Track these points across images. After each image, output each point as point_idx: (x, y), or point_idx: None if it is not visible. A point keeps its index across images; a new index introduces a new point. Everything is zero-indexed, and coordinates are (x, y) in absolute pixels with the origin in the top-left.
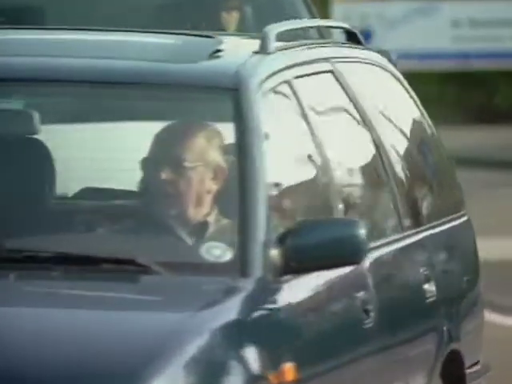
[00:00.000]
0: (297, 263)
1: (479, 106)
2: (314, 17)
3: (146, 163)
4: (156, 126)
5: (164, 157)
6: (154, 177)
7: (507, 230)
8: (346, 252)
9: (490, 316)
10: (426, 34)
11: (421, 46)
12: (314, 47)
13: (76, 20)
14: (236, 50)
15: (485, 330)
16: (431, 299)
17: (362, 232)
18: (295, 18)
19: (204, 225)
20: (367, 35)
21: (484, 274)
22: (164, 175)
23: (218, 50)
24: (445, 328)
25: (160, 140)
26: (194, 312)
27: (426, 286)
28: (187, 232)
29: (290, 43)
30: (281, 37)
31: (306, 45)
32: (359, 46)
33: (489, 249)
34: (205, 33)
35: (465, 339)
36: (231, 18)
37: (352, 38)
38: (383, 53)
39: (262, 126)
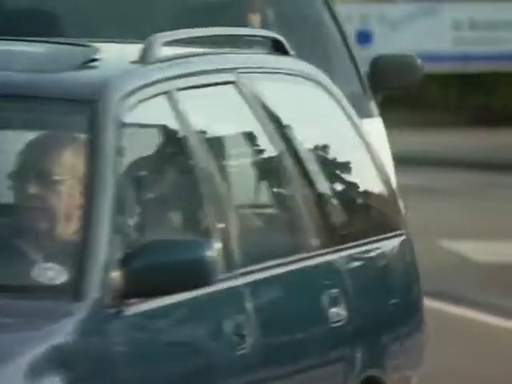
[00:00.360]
0: (140, 286)
1: (479, 108)
2: (336, 21)
3: (13, 177)
4: (21, 138)
5: (31, 170)
6: (21, 191)
7: (506, 232)
8: (191, 275)
9: (493, 319)
10: (427, 35)
11: (421, 47)
12: (215, 56)
13: (93, 23)
14: (114, 59)
15: (487, 333)
16: (339, 324)
17: (210, 253)
18: (316, 22)
19: (68, 242)
20: (367, 37)
21: (485, 277)
22: (32, 189)
23: (93, 60)
24: (358, 354)
25: (27, 153)
26: (13, 337)
27: (334, 310)
28: (44, 251)
29: (183, 52)
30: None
31: (204, 54)
32: (285, 56)
33: (488, 251)
34: (82, 41)
35: (391, 364)
36: (256, 19)
37: (279, 47)
38: (408, 57)
39: (117, 141)
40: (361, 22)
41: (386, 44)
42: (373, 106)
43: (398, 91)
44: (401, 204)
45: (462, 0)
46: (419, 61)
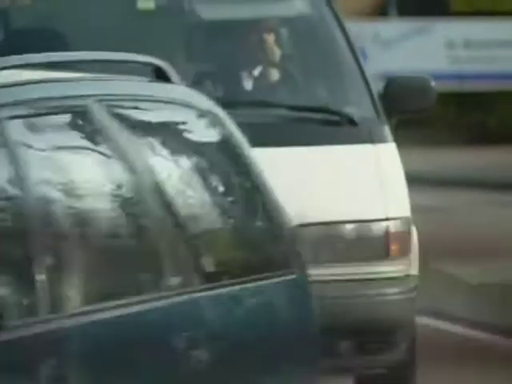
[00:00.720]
0: None
1: (476, 127)
2: (348, 41)
3: None
4: None
5: None
6: None
7: (506, 251)
8: None
9: (493, 338)
10: (421, 54)
11: (415, 66)
12: (65, 83)
13: (99, 45)
14: None
15: (482, 351)
16: (196, 366)
17: None
18: (329, 42)
19: None
20: (362, 55)
21: (485, 297)
22: None
23: None
24: None
25: None
26: None
27: (192, 352)
28: None
29: (21, 80)
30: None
31: (51, 80)
32: (165, 83)
33: (489, 270)
34: None
35: None
36: (271, 39)
37: (160, 73)
38: (423, 79)
39: None
40: (355, 41)
41: (380, 63)
42: (386, 131)
43: (413, 115)
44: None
45: (456, 19)
46: (433, 83)
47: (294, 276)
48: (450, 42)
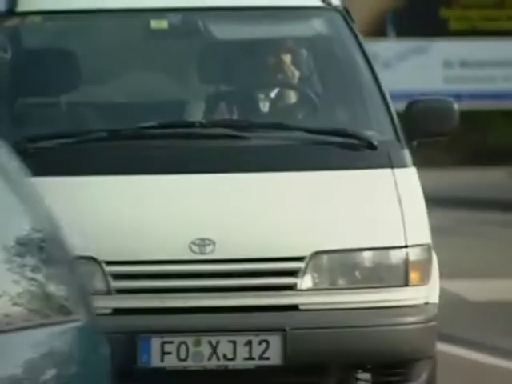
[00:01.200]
0: None
1: (471, 147)
2: (368, 62)
3: None
4: None
5: None
6: None
7: (499, 270)
8: None
9: (494, 360)
10: (418, 74)
11: (413, 86)
12: None
13: (112, 65)
14: None
15: (485, 373)
16: None
17: None
18: (349, 63)
19: None
20: None
21: (481, 316)
22: None
23: None
24: None
25: None
26: None
27: None
28: None
29: None
30: None
31: None
32: None
33: (479, 289)
34: None
35: None
36: (287, 60)
37: None
38: (445, 102)
39: None
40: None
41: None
42: (406, 155)
43: (436, 138)
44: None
45: (453, 38)
46: (456, 105)
47: (80, 323)
48: (447, 61)
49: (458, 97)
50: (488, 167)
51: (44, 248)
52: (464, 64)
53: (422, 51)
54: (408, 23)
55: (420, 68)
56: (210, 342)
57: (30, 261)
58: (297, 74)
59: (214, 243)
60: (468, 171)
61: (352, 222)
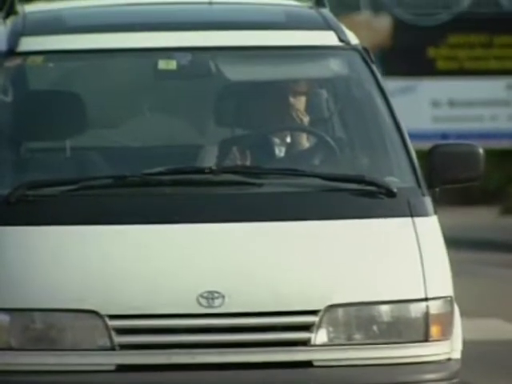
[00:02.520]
0: None
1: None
2: (388, 104)
3: None
4: None
5: None
6: None
7: (489, 309)
8: None
9: None
10: (406, 113)
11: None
12: None
13: (118, 107)
14: None
15: None
16: None
17: None
18: (367, 104)
19: None
20: None
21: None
22: None
23: None
24: None
25: None
26: None
27: None
28: None
29: None
30: None
31: None
32: None
33: (473, 329)
34: None
35: None
36: (299, 103)
37: None
38: (470, 147)
39: None
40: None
41: None
42: (428, 203)
43: (459, 184)
44: None
45: (441, 78)
46: (481, 150)
47: None
48: (435, 101)
49: (445, 136)
50: (476, 207)
51: None
52: (452, 103)
53: (409, 90)
54: (395, 62)
55: (408, 107)
56: None
57: None
58: (312, 117)
59: (223, 296)
60: (456, 211)
61: (369, 273)
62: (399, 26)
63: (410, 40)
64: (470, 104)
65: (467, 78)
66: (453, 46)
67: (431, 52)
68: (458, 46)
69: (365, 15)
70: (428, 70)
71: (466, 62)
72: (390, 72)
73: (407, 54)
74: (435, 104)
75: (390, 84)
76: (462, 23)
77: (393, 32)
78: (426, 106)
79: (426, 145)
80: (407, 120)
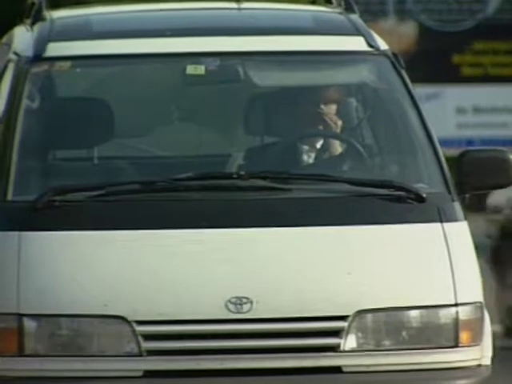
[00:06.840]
0: None
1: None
2: (418, 110)
3: None
4: None
5: None
6: None
7: None
8: None
9: None
10: (431, 120)
11: None
12: None
13: (146, 114)
14: None
15: None
16: None
17: None
18: (397, 110)
19: None
20: None
21: None
22: None
23: None
24: None
25: None
26: None
27: None
28: None
29: None
30: None
31: None
32: None
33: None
34: None
35: None
36: (330, 110)
37: None
38: (500, 153)
39: None
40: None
41: None
42: (458, 209)
43: (488, 190)
44: None
45: (466, 85)
46: (511, 156)
47: None
48: (460, 107)
49: (470, 143)
50: None
51: None
52: (477, 110)
53: (434, 97)
54: (420, 69)
55: (433, 114)
56: None
57: None
58: (342, 123)
59: (251, 302)
60: (480, 218)
61: (398, 279)
62: (424, 32)
63: (434, 46)
64: (494, 110)
65: (492, 85)
66: (477, 53)
67: (456, 58)
68: (482, 52)
69: (390, 22)
70: (453, 76)
71: (491, 69)
72: (414, 78)
73: (432, 61)
74: (460, 110)
75: (417, 92)
76: (487, 30)
77: (418, 38)
78: (450, 112)
79: (451, 151)
80: (432, 127)
